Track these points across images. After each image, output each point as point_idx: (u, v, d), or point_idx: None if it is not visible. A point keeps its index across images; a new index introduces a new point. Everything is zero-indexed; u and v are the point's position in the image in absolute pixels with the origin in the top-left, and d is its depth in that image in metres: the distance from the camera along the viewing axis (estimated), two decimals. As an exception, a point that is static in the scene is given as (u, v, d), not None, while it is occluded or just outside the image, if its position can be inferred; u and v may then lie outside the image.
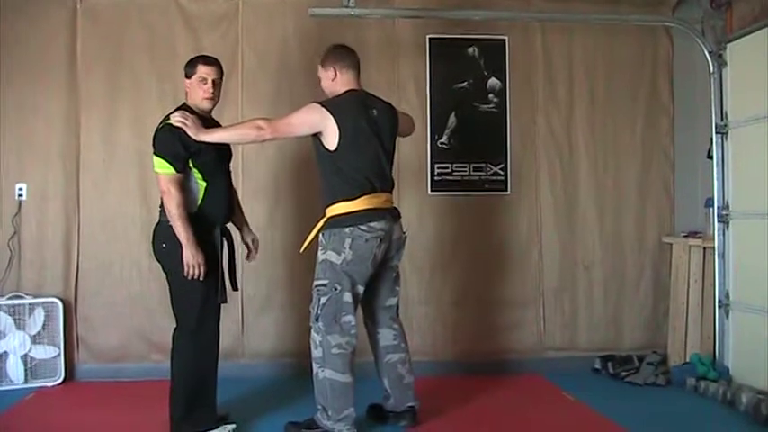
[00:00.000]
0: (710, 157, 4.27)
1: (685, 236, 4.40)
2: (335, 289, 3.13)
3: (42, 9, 4.24)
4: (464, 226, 4.48)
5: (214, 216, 3.18)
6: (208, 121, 3.22)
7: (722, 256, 4.16)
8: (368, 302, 3.36)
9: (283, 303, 4.34)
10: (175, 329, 3.18)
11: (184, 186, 3.08)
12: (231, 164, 3.38)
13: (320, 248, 3.19)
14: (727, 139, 4.18)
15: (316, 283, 3.19)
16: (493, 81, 4.52)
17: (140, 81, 4.28)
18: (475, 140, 4.50)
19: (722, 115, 4.19)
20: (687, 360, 4.22)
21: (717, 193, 4.20)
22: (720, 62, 4.20)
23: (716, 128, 4.20)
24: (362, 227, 3.11)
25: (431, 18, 4.39)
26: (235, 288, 3.36)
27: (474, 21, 4.42)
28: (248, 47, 4.37)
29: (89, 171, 4.28)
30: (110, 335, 4.25)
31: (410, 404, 3.38)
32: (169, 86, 4.13)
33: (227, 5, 4.37)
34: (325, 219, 3.20)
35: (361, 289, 3.20)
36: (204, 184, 3.13)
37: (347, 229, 3.11)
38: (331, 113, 3.12)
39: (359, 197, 3.14)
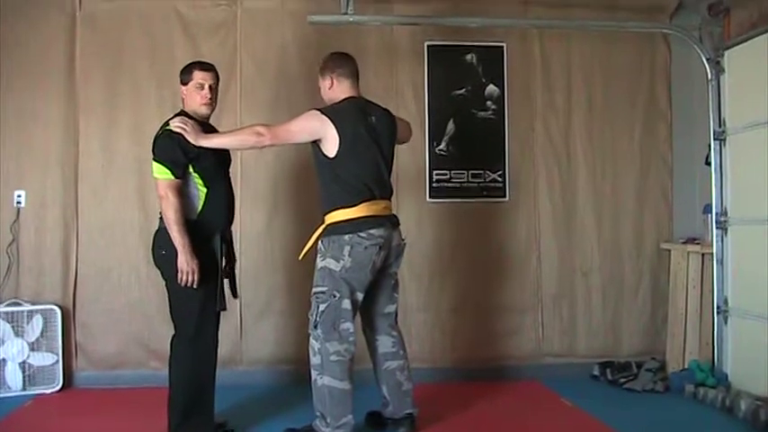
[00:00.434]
0: (709, 164, 4.27)
1: (684, 242, 4.41)
2: (334, 296, 3.12)
3: (42, 15, 4.24)
4: (462, 233, 4.48)
5: (215, 222, 3.18)
6: (206, 127, 3.23)
7: (721, 262, 4.17)
8: (366, 309, 3.35)
9: (282, 310, 4.33)
10: (174, 337, 3.18)
11: (183, 192, 3.08)
12: (230, 170, 3.38)
13: (319, 255, 3.19)
14: (725, 145, 4.19)
15: (314, 290, 3.18)
16: (491, 88, 4.52)
17: (139, 88, 4.28)
18: (473, 147, 4.51)
19: (720, 122, 4.21)
20: (686, 366, 4.21)
21: (715, 200, 4.21)
22: (718, 69, 4.21)
23: (714, 134, 4.21)
24: (362, 234, 3.11)
25: (429, 25, 4.40)
26: (235, 296, 3.36)
27: (472, 28, 4.44)
28: (247, 54, 4.37)
29: (88, 178, 4.27)
30: (108, 342, 4.24)
31: (409, 411, 3.37)
32: (168, 93, 4.13)
33: (226, 13, 4.37)
34: (324, 226, 3.20)
35: (360, 296, 3.19)
36: (205, 189, 3.13)
37: (346, 237, 3.11)
38: (331, 120, 3.12)
39: (358, 204, 3.14)
